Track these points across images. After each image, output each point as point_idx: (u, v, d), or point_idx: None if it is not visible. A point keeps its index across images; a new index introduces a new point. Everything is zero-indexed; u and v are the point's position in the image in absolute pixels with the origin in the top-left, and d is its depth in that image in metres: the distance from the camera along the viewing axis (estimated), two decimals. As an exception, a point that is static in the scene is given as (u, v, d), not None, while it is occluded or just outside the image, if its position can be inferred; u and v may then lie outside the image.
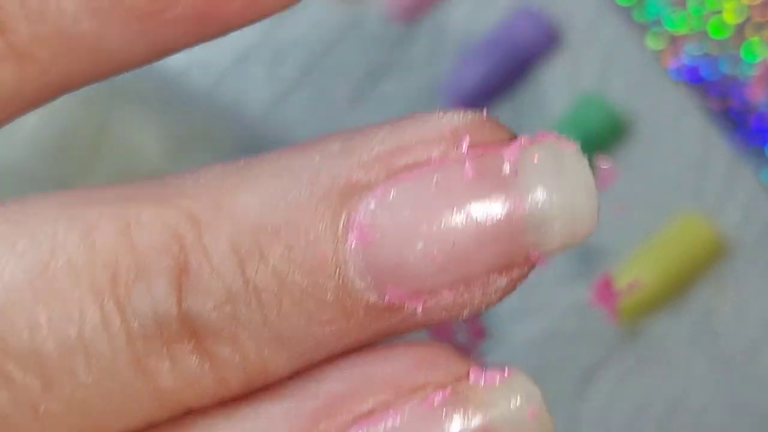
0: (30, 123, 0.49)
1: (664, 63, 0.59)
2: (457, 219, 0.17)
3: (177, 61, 0.55)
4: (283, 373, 0.17)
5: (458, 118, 0.18)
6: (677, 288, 0.56)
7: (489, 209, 0.17)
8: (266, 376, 0.17)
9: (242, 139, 0.58)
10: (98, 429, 0.17)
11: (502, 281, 0.18)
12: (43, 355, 0.16)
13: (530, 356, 0.55)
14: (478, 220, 0.17)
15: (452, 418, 0.17)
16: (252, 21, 0.18)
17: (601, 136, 0.57)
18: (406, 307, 0.17)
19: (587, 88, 0.59)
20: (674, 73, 0.59)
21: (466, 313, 0.18)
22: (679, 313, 0.56)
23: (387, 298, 0.17)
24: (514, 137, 0.18)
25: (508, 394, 0.18)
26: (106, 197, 0.17)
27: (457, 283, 0.17)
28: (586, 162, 0.18)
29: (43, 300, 0.16)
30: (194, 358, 0.17)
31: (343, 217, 0.17)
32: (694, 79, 0.59)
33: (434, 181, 0.17)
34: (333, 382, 0.18)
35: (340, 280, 0.17)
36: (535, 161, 0.17)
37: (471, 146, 0.17)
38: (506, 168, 0.17)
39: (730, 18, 0.58)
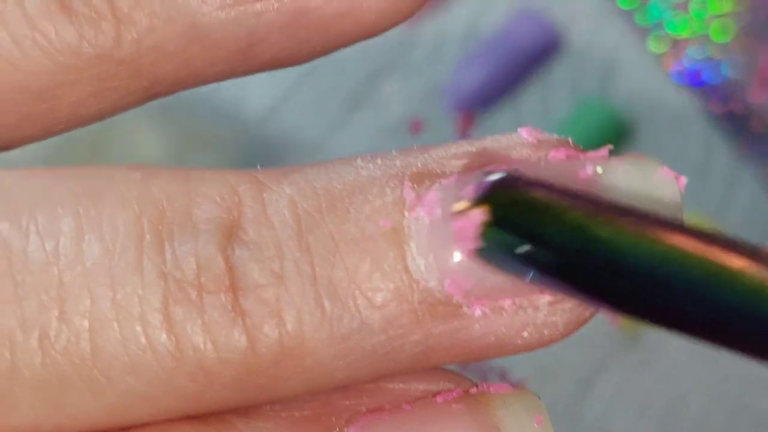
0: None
1: (665, 66, 0.59)
2: None
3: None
4: (319, 357, 0.16)
5: (541, 133, 0.17)
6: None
7: None
8: (302, 354, 0.16)
9: (243, 141, 0.58)
10: (110, 379, 0.16)
11: (568, 303, 0.16)
12: (64, 283, 0.16)
13: (530, 360, 0.55)
14: None
15: (461, 415, 0.17)
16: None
17: (603, 140, 0.57)
18: (464, 308, 0.16)
19: (589, 91, 0.59)
20: (676, 76, 0.59)
21: (526, 335, 0.17)
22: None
23: (447, 284, 0.16)
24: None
25: (516, 401, 0.17)
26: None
27: (523, 288, 0.16)
28: (668, 172, 0.17)
29: (89, 226, 0.16)
30: (228, 313, 0.16)
31: (413, 193, 0.16)
32: (696, 82, 0.58)
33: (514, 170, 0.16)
34: (343, 391, 0.17)
35: (399, 252, 0.16)
36: (619, 165, 0.17)
37: (554, 150, 0.17)
38: (589, 168, 0.17)
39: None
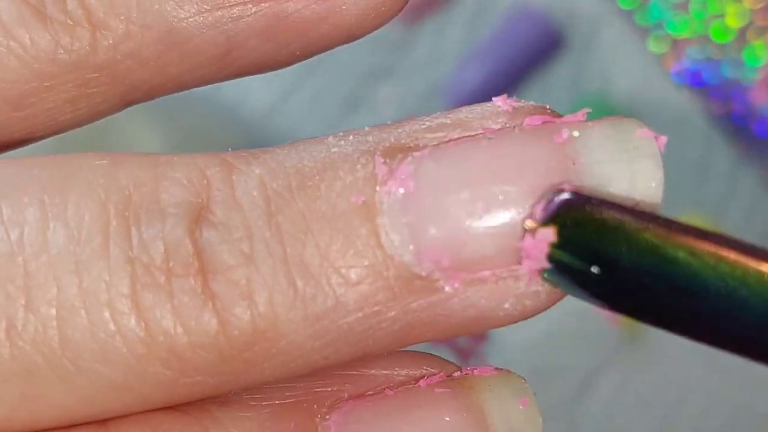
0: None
1: (666, 66, 0.59)
2: (507, 173, 0.16)
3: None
4: (294, 338, 0.16)
5: (518, 102, 0.17)
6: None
7: (543, 165, 0.16)
8: (275, 336, 0.15)
9: (242, 140, 0.58)
10: (75, 361, 0.15)
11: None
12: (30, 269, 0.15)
13: (530, 359, 0.55)
14: (531, 174, 0.15)
15: (445, 400, 0.17)
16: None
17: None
18: (441, 282, 0.16)
19: (589, 91, 0.59)
20: (676, 76, 0.59)
21: (508, 306, 0.16)
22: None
23: (422, 258, 0.15)
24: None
25: (501, 384, 0.17)
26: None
27: (501, 258, 0.16)
28: (648, 132, 0.16)
29: (54, 214, 0.15)
30: (198, 297, 0.15)
31: (385, 167, 0.16)
32: (696, 82, 0.58)
33: (487, 140, 0.16)
34: (325, 378, 0.17)
35: (372, 227, 0.15)
36: (595, 127, 0.16)
37: (530, 117, 0.16)
38: (565, 132, 0.16)
39: (733, 22, 0.58)
